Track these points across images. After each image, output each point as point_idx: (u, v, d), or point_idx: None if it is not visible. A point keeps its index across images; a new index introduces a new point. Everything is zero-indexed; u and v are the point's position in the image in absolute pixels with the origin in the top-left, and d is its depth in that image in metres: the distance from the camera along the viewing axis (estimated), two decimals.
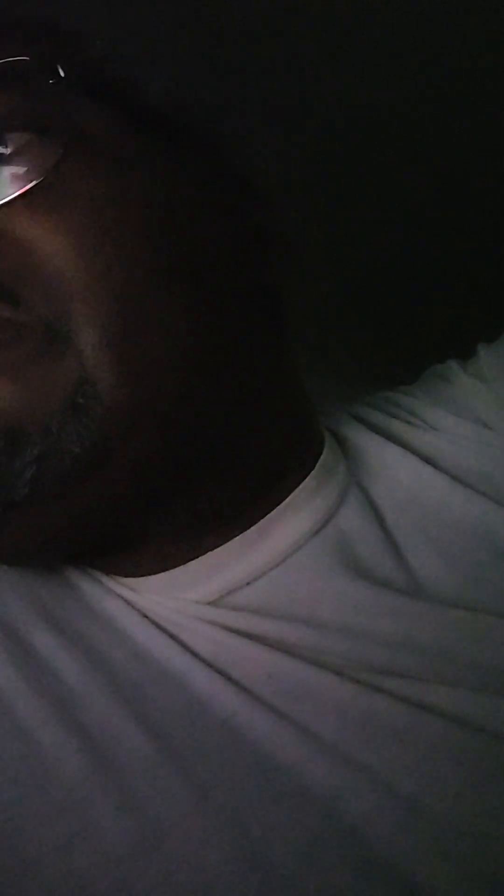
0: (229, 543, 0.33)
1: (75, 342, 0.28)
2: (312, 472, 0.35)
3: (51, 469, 0.28)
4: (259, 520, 0.33)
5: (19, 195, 0.28)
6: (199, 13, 0.53)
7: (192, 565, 0.33)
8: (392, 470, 0.37)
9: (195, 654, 0.31)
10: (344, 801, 0.28)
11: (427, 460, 0.37)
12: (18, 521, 0.29)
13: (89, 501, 0.29)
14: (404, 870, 0.26)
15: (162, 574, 0.33)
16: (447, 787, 0.28)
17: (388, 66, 0.60)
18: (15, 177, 0.28)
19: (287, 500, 0.34)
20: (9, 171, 0.28)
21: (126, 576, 0.34)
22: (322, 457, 0.36)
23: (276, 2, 0.54)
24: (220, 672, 0.30)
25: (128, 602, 0.33)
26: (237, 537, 0.33)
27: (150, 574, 0.33)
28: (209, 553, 0.33)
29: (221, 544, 0.33)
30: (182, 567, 0.33)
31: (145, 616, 0.33)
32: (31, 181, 0.28)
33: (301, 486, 0.34)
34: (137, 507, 0.31)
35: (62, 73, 0.29)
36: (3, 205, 0.28)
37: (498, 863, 0.26)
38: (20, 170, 0.28)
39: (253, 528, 0.33)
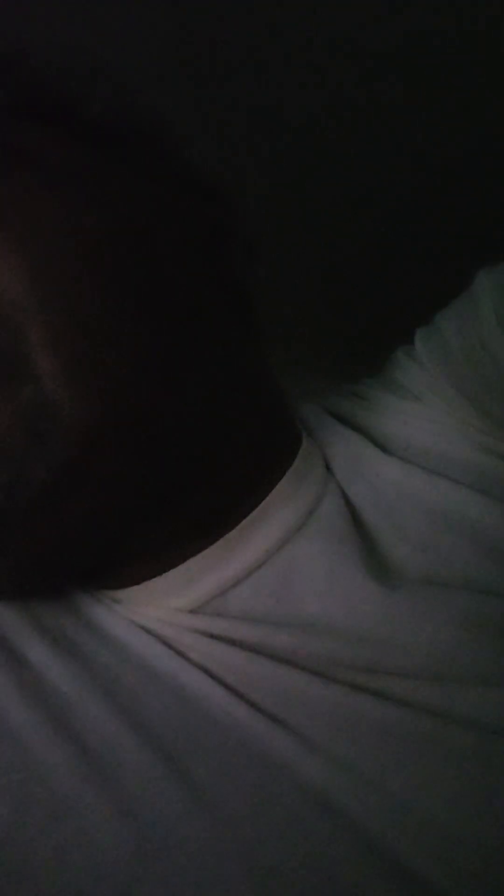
0: (210, 549, 0.33)
1: (32, 367, 0.28)
2: (290, 470, 0.35)
3: (19, 496, 0.28)
4: (239, 523, 0.33)
5: None
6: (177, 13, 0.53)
7: (173, 574, 0.33)
8: (357, 459, 0.37)
9: (186, 659, 0.31)
10: (338, 799, 0.28)
11: (384, 443, 0.37)
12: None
13: (66, 525, 0.29)
14: (403, 867, 0.27)
15: (143, 584, 0.33)
16: (438, 785, 0.28)
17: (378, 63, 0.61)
18: None
19: (265, 501, 0.34)
20: None
21: (107, 588, 0.34)
22: (299, 455, 0.36)
23: None
24: (210, 676, 0.31)
25: (116, 611, 0.33)
26: (218, 542, 0.33)
27: (128, 586, 0.33)
28: (190, 560, 0.33)
29: (202, 550, 0.33)
30: (161, 576, 0.33)
31: (134, 623, 0.33)
32: None
33: (279, 487, 0.35)
34: (113, 527, 0.31)
35: None
36: None
37: (494, 863, 0.27)
38: None
39: (232, 532, 0.33)
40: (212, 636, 0.32)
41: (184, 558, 0.33)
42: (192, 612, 0.33)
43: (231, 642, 0.31)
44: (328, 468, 0.36)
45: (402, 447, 0.37)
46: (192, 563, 0.33)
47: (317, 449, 0.37)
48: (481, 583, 0.32)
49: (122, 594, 0.34)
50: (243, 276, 0.36)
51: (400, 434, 0.37)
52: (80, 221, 0.30)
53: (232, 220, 0.36)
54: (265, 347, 0.38)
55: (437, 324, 0.39)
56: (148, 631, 0.32)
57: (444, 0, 0.58)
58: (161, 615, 0.33)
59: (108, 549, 0.32)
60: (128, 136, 0.33)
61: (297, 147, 0.64)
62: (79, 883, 0.26)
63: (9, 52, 0.31)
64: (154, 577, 0.33)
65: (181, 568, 0.33)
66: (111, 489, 0.30)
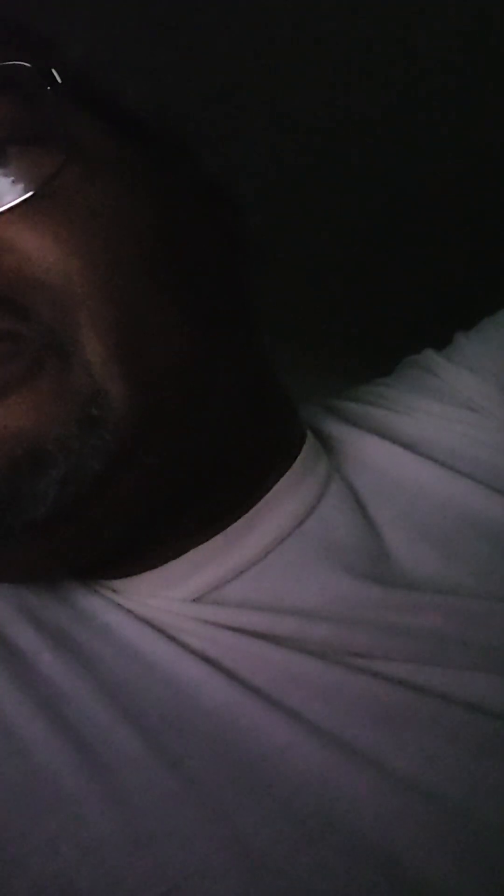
0: (211, 541, 0.33)
1: (82, 353, 0.28)
2: (293, 466, 0.35)
3: (73, 488, 0.28)
4: (241, 516, 0.34)
5: (18, 204, 0.27)
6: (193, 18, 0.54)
7: (174, 564, 0.33)
8: (374, 459, 0.37)
9: (182, 647, 0.31)
10: (335, 785, 0.28)
11: (411, 446, 0.37)
12: (35, 541, 0.29)
13: (100, 516, 0.29)
14: (397, 853, 0.26)
15: (142, 575, 0.33)
16: (441, 765, 0.28)
17: (381, 69, 0.61)
18: (14, 186, 0.28)
19: (268, 495, 0.34)
20: (7, 180, 0.28)
21: (106, 578, 0.34)
22: (303, 451, 0.36)
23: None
24: (208, 663, 0.31)
25: (111, 601, 0.33)
26: (219, 534, 0.33)
27: (130, 575, 0.33)
28: (191, 551, 0.33)
29: (203, 542, 0.33)
30: (163, 566, 0.33)
31: (130, 612, 0.33)
32: (31, 191, 0.28)
33: (282, 481, 0.35)
34: (139, 518, 0.31)
35: (59, 80, 0.28)
36: (1, 213, 0.27)
37: (493, 843, 0.27)
38: (19, 179, 0.28)
39: (235, 524, 0.33)
40: (211, 623, 0.32)
41: (184, 550, 0.33)
42: (193, 601, 0.33)
43: (231, 629, 0.31)
44: (336, 467, 0.37)
45: (428, 448, 0.37)
46: (193, 555, 0.33)
47: (320, 448, 0.38)
48: (497, 584, 0.32)
49: (119, 584, 0.34)
50: (248, 276, 0.36)
51: (427, 435, 0.37)
52: (132, 212, 0.30)
53: (242, 222, 0.36)
54: (266, 347, 0.38)
55: (487, 329, 0.40)
56: (145, 620, 0.32)
57: (444, 2, 0.58)
58: (160, 604, 0.33)
59: (124, 541, 0.32)
60: (158, 134, 0.34)
61: (299, 148, 0.64)
62: (71, 872, 0.26)
63: (64, 40, 0.31)
64: (154, 567, 0.33)
65: (181, 559, 0.33)
66: (151, 479, 0.30)
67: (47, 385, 0.28)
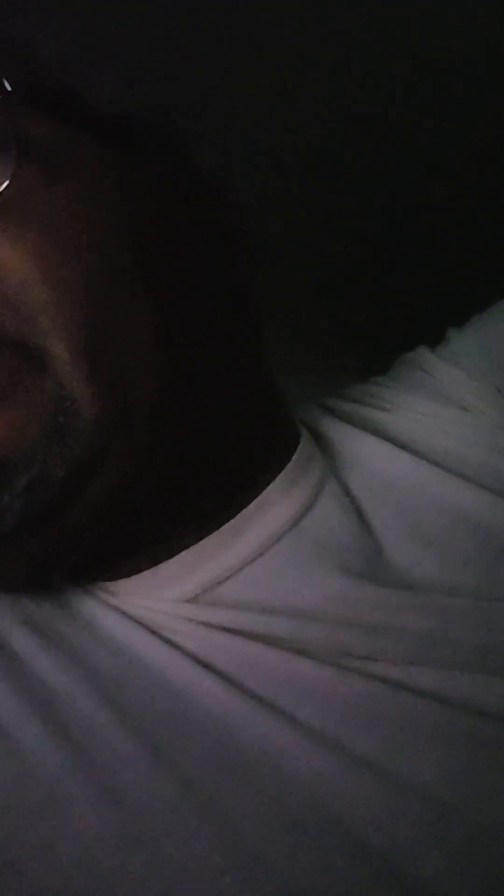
0: (204, 541, 0.33)
1: (47, 358, 0.28)
2: (287, 466, 0.35)
3: (38, 497, 0.28)
4: (234, 516, 0.34)
5: None
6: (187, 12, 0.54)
7: (168, 565, 0.33)
8: (368, 459, 0.37)
9: (176, 648, 0.31)
10: (328, 786, 0.28)
11: (404, 446, 0.37)
12: (13, 550, 0.29)
13: (74, 522, 0.29)
14: (392, 854, 0.27)
15: (136, 576, 0.33)
16: (436, 767, 0.28)
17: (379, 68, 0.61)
18: None
19: (262, 495, 0.34)
20: None
21: (100, 580, 0.34)
22: (297, 451, 0.36)
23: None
24: (202, 664, 0.31)
25: (106, 602, 0.33)
26: (212, 535, 0.33)
27: (124, 577, 0.34)
28: (184, 552, 0.33)
29: (196, 543, 0.33)
30: (156, 568, 0.33)
31: (125, 614, 0.33)
32: None
33: (276, 482, 0.35)
34: (119, 521, 0.31)
35: (8, 88, 0.28)
36: None
37: (490, 844, 0.27)
38: None
39: (228, 524, 0.33)
40: (205, 624, 0.32)
41: (177, 551, 0.33)
42: (186, 602, 0.33)
43: (225, 630, 0.32)
44: (332, 467, 0.37)
45: (421, 447, 0.37)
46: (185, 556, 0.33)
47: (316, 448, 0.38)
48: (491, 585, 0.32)
49: (113, 586, 0.34)
50: (246, 276, 0.36)
51: (421, 435, 0.37)
52: (99, 215, 0.30)
53: (236, 222, 0.36)
54: (264, 346, 0.38)
55: (478, 326, 0.40)
56: (139, 622, 0.32)
57: (445, 7, 0.58)
58: (154, 606, 0.33)
59: (109, 544, 0.32)
60: (137, 132, 0.33)
61: (299, 148, 0.64)
62: (66, 873, 0.26)
63: (19, 42, 0.31)
64: (147, 569, 0.33)
65: (174, 560, 0.33)
66: (122, 483, 0.30)
67: (22, 399, 0.28)
